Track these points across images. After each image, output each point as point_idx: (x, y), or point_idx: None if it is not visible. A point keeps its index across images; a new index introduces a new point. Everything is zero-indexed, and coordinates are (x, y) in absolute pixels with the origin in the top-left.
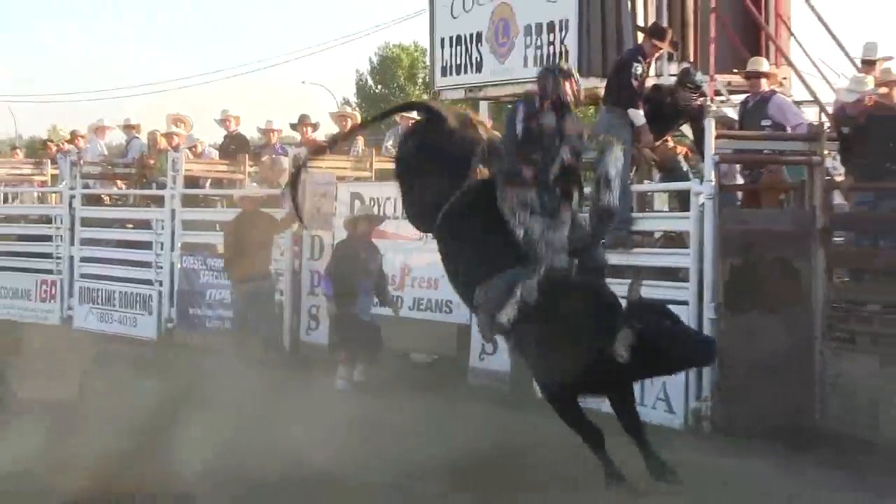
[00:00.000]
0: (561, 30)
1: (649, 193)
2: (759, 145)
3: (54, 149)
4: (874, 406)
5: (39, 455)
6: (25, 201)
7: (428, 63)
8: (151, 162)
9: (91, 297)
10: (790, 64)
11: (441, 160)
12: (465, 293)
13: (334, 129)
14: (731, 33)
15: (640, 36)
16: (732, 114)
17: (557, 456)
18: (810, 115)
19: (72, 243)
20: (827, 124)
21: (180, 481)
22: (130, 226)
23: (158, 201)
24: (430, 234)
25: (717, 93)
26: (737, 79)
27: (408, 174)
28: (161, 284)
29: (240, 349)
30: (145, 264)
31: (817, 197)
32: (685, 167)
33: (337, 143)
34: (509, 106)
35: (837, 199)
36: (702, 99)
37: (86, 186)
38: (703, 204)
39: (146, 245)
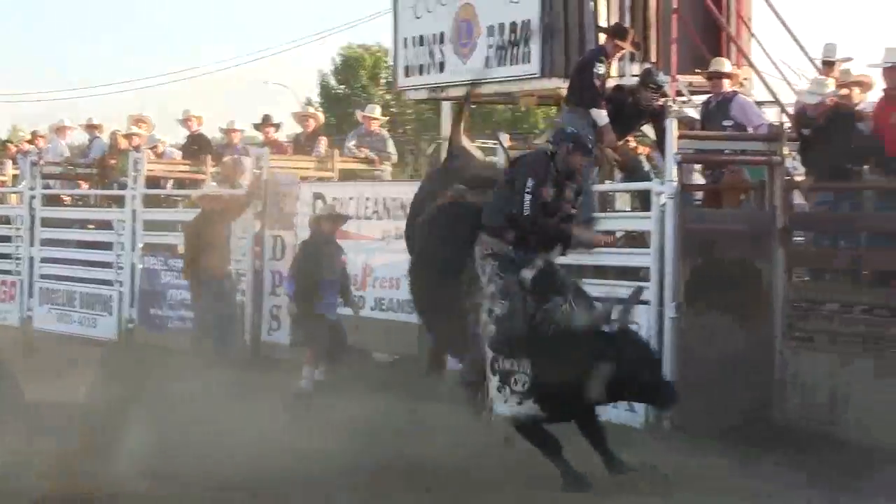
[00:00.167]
0: (523, 30)
1: (611, 193)
2: (721, 145)
3: (14, 149)
4: (833, 404)
5: None
6: None
7: (391, 63)
8: (112, 162)
9: (51, 298)
10: (751, 65)
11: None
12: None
13: (297, 130)
14: (692, 34)
15: (603, 36)
16: (694, 114)
17: (517, 456)
18: (771, 115)
19: (31, 244)
20: (787, 125)
21: (139, 483)
22: (91, 226)
23: (119, 202)
24: (391, 235)
25: (679, 93)
26: (698, 79)
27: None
28: (122, 285)
29: (200, 349)
30: (106, 265)
31: (777, 197)
32: (647, 167)
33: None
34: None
35: (797, 199)
36: (663, 99)
37: (46, 187)
38: (664, 204)
39: (107, 245)
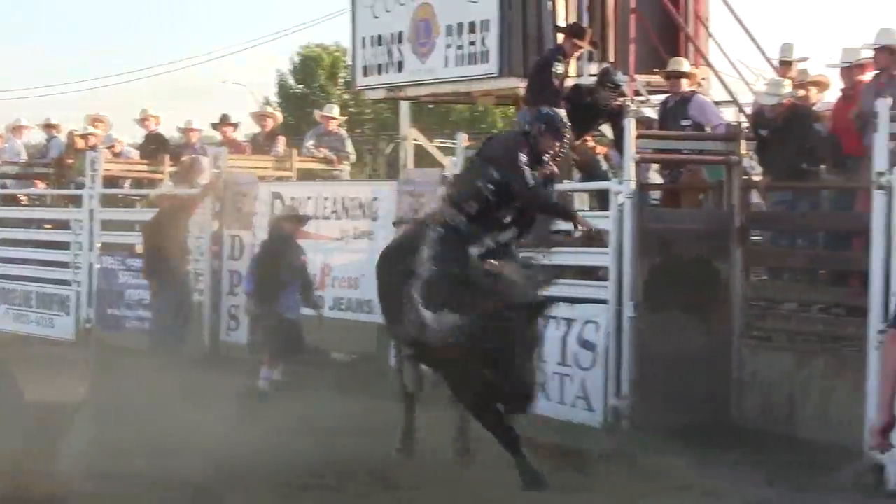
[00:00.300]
0: (482, 30)
1: (569, 193)
2: (679, 145)
3: None
4: (790, 403)
5: None
6: None
7: (349, 63)
8: (70, 162)
9: (8, 298)
10: (709, 64)
11: None
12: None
13: (255, 129)
14: (650, 34)
15: (561, 36)
16: (652, 114)
17: (476, 455)
18: (728, 114)
19: None
20: (745, 124)
21: (92, 483)
22: (48, 226)
23: (77, 201)
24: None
25: (637, 93)
26: (656, 79)
27: None
28: (79, 285)
29: (158, 349)
30: (63, 264)
31: (735, 196)
32: (605, 167)
33: None
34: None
35: (755, 198)
36: (622, 99)
37: (3, 186)
38: (622, 203)
39: (64, 245)
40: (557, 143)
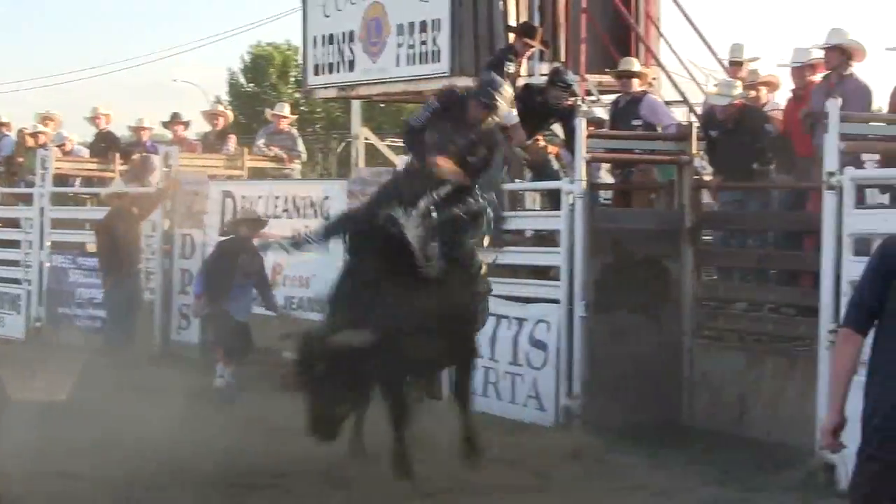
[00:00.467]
0: (433, 29)
1: (521, 192)
2: (630, 145)
3: None
4: (741, 402)
5: None
6: None
7: (300, 62)
8: (20, 160)
9: None
10: (660, 64)
11: None
12: None
13: (206, 128)
14: (602, 34)
15: (512, 36)
16: (603, 114)
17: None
18: (679, 114)
19: None
20: (696, 124)
21: (36, 482)
22: None
23: (27, 200)
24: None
25: (588, 92)
26: (607, 79)
27: None
28: (30, 283)
29: (109, 347)
30: (13, 263)
31: (686, 196)
32: (556, 166)
33: None
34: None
35: (706, 198)
36: (573, 98)
37: None
38: (573, 203)
39: (15, 244)
40: (483, 113)
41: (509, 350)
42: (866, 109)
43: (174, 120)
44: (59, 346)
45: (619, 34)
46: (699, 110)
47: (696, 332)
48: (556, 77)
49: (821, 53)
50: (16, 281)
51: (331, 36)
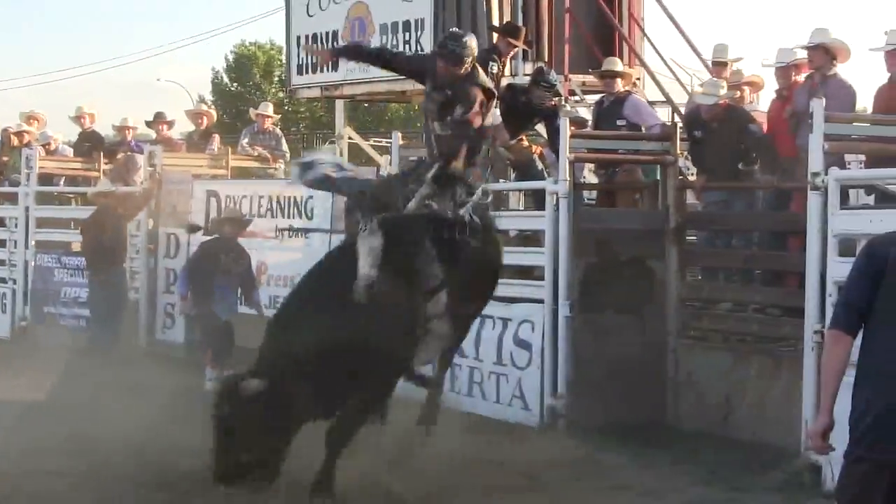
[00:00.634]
0: (416, 29)
1: (505, 192)
2: (614, 145)
3: None
4: (726, 402)
5: None
6: None
7: (284, 61)
8: (4, 159)
9: None
10: (643, 64)
11: None
12: None
13: (190, 127)
14: (585, 34)
15: (496, 36)
16: (586, 114)
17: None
18: (663, 114)
19: None
20: (680, 124)
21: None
22: None
23: (12, 199)
24: (285, 233)
25: (572, 92)
26: (591, 79)
27: None
28: (15, 282)
29: (94, 346)
30: None
31: (670, 196)
32: (540, 166)
33: None
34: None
35: (690, 198)
36: (556, 98)
37: None
38: (557, 203)
39: None
40: (450, 68)
41: (494, 350)
42: (850, 110)
43: (158, 119)
44: (45, 345)
45: (602, 34)
46: (683, 110)
47: (681, 332)
48: (539, 77)
49: (805, 53)
50: (1, 280)
51: (314, 35)
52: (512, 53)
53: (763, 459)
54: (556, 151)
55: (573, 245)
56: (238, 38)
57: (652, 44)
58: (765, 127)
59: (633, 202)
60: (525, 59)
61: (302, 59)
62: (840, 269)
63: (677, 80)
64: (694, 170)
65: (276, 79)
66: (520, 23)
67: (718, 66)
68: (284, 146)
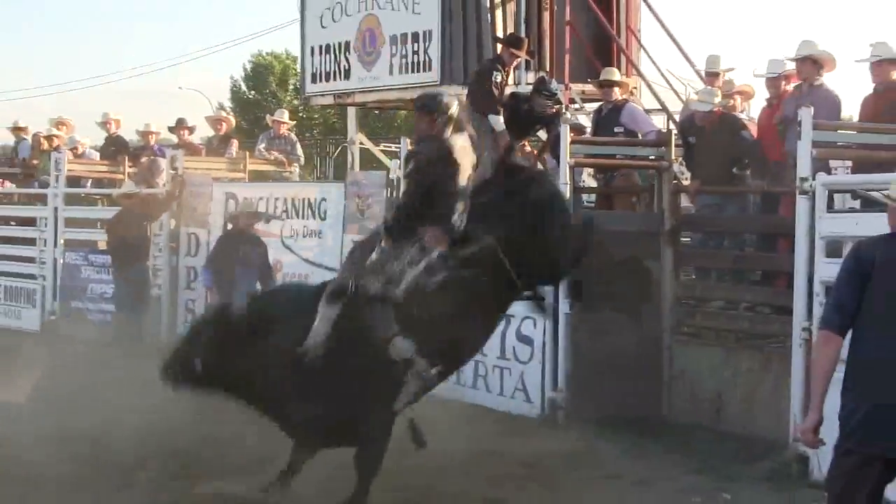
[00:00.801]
0: (424, 40)
1: None
2: (612, 150)
3: None
4: (718, 397)
5: None
6: None
7: (299, 70)
8: (35, 162)
9: None
10: (640, 74)
11: None
12: None
13: (210, 133)
14: (585, 45)
15: (499, 46)
16: (586, 121)
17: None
18: (659, 122)
19: None
20: (675, 131)
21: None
22: (15, 223)
23: (42, 199)
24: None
25: (572, 101)
26: (590, 88)
27: None
28: (44, 279)
29: (119, 339)
30: (30, 260)
31: (666, 200)
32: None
33: None
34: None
35: (685, 201)
36: (557, 106)
37: None
38: None
39: (30, 241)
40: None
41: (497, 344)
42: (836, 118)
43: (180, 125)
44: (72, 338)
45: (601, 45)
46: (678, 118)
47: (675, 329)
48: (541, 86)
49: (794, 64)
50: (31, 276)
51: (328, 46)
52: (515, 63)
53: (753, 451)
54: (556, 157)
55: None
56: (255, 49)
57: (648, 55)
58: (755, 134)
59: (631, 205)
60: (527, 68)
61: (316, 67)
62: (827, 269)
63: (672, 89)
64: (688, 174)
65: (292, 87)
66: (522, 34)
67: (711, 77)
68: (299, 151)
